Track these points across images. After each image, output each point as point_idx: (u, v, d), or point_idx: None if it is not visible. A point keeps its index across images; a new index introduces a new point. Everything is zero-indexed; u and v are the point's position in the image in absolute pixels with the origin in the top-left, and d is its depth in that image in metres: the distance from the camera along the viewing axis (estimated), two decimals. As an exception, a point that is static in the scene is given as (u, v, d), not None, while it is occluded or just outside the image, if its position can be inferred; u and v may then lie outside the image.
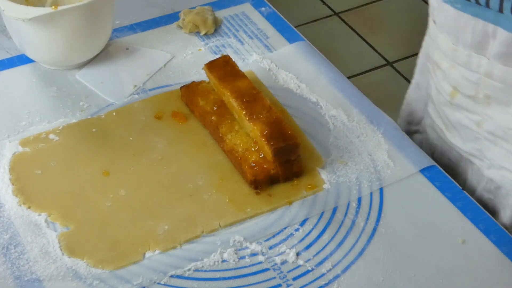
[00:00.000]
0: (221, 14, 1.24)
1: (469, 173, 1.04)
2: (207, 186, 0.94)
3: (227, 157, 0.98)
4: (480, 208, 0.94)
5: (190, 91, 1.04)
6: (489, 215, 0.94)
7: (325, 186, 0.95)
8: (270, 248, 0.88)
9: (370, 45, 2.44)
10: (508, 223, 0.98)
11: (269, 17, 1.24)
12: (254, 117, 0.95)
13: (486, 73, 0.91)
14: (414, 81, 1.14)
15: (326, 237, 0.90)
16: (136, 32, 1.20)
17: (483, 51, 0.90)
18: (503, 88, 0.90)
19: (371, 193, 0.95)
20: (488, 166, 0.99)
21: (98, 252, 0.86)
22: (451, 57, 0.95)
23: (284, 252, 0.88)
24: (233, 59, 1.04)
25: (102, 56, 1.14)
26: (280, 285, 0.84)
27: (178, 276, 0.85)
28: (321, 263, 0.87)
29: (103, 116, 1.04)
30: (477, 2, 0.87)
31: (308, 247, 0.88)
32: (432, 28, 1.00)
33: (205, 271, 0.85)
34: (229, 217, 0.91)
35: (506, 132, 0.93)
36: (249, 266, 0.86)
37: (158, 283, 0.84)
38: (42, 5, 1.11)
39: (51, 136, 1.00)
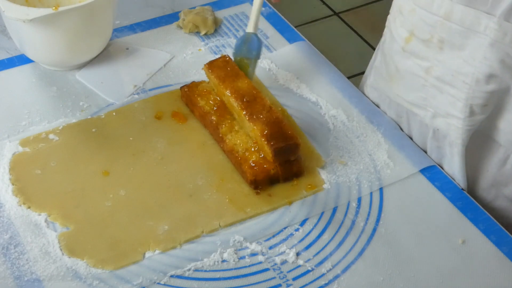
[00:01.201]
0: (221, 14, 1.24)
1: (412, 125, 1.05)
2: (207, 186, 0.94)
3: (227, 157, 0.98)
4: (480, 208, 0.94)
5: (190, 91, 1.04)
6: (489, 215, 0.94)
7: (325, 186, 0.95)
8: (270, 248, 0.88)
9: (370, 45, 2.44)
10: (457, 170, 1.00)
11: (269, 17, 1.24)
12: (254, 117, 0.95)
13: (445, 15, 0.92)
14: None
15: (326, 237, 0.90)
16: (136, 32, 1.20)
17: None
18: (459, 31, 0.91)
19: (371, 193, 0.95)
20: (432, 115, 1.00)
21: (98, 252, 0.86)
22: (414, 0, 0.96)
23: (284, 252, 0.88)
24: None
25: (102, 56, 1.14)
26: (280, 285, 0.84)
27: (178, 276, 0.85)
28: (321, 263, 0.87)
29: (103, 116, 1.04)
30: None
31: (308, 247, 0.88)
32: None
33: (205, 271, 0.85)
34: (229, 217, 0.91)
35: (454, 77, 0.94)
36: (249, 266, 0.86)
37: (158, 283, 0.84)
38: (43, 6, 1.11)
39: (51, 136, 1.00)
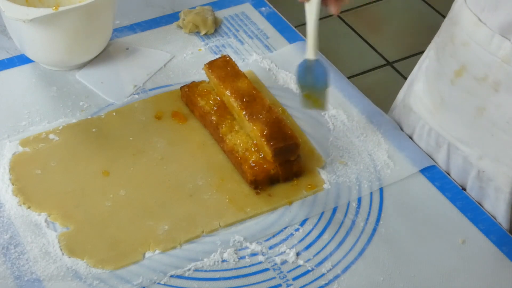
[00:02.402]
0: (221, 14, 1.24)
1: (452, 159, 1.00)
2: (207, 186, 0.94)
3: (227, 157, 0.98)
4: (480, 208, 0.94)
5: (190, 91, 1.04)
6: (489, 215, 0.94)
7: (325, 186, 0.95)
8: (270, 248, 0.88)
9: (370, 45, 2.44)
10: (501, 214, 0.95)
11: (269, 17, 1.24)
12: (254, 117, 0.95)
13: (505, 57, 0.86)
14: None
15: (326, 237, 0.90)
16: (136, 32, 1.20)
17: (509, 35, 0.86)
18: None
19: (371, 193, 0.95)
20: (479, 156, 0.95)
21: (98, 252, 0.86)
22: (470, 33, 0.91)
23: (284, 252, 0.88)
24: (233, 59, 1.04)
25: (102, 56, 1.14)
26: (280, 285, 0.84)
27: (178, 276, 0.85)
28: (321, 263, 0.87)
29: (103, 116, 1.04)
30: None
31: (308, 247, 0.88)
32: (458, 3, 0.95)
33: (205, 271, 0.85)
34: (229, 217, 0.91)
35: (510, 124, 0.89)
36: (249, 266, 0.86)
37: (158, 283, 0.84)
38: (43, 6, 1.11)
39: (51, 136, 1.00)
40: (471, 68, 0.91)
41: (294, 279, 0.85)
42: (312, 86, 0.93)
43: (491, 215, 0.95)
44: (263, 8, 1.25)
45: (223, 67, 1.02)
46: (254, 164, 0.94)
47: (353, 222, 0.91)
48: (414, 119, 1.05)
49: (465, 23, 0.92)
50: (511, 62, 0.86)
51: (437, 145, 1.02)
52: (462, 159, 0.99)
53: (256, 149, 0.95)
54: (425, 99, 1.02)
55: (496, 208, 0.96)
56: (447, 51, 0.95)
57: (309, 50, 0.91)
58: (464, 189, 0.99)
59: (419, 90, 1.03)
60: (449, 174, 1.01)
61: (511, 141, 0.90)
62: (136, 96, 1.08)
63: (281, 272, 0.86)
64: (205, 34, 1.19)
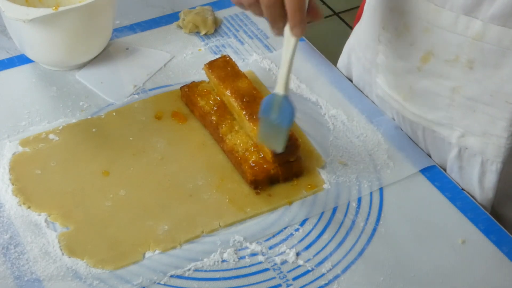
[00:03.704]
0: (221, 14, 1.24)
1: (429, 144, 1.01)
2: (207, 186, 0.94)
3: (227, 157, 0.98)
4: (480, 208, 0.94)
5: (190, 91, 1.04)
6: (489, 215, 0.94)
7: (325, 186, 0.95)
8: (270, 248, 0.88)
9: (370, 45, 2.44)
10: (488, 187, 0.96)
11: (269, 17, 1.24)
12: (254, 117, 0.95)
13: (477, 35, 0.85)
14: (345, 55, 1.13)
15: (326, 237, 0.90)
16: (136, 32, 1.20)
17: (475, 13, 0.85)
18: (495, 50, 0.85)
19: (371, 193, 0.95)
20: (461, 135, 0.95)
21: (98, 252, 0.86)
22: (430, 20, 0.90)
23: (284, 252, 0.88)
24: (233, 59, 1.04)
25: (102, 56, 1.14)
26: (280, 285, 0.84)
27: (178, 276, 0.85)
28: (321, 263, 0.87)
29: (103, 116, 1.04)
30: None
31: (308, 247, 0.88)
32: None
33: (205, 271, 0.85)
34: (229, 217, 0.91)
35: (494, 97, 0.88)
36: (249, 266, 0.86)
37: (158, 283, 0.84)
38: (43, 6, 1.11)
39: (51, 136, 1.00)
40: (439, 52, 0.91)
41: (294, 279, 0.85)
42: (274, 123, 0.86)
43: (471, 195, 0.96)
44: (263, 8, 1.25)
45: (223, 67, 1.02)
46: (254, 164, 0.94)
47: (353, 222, 0.91)
48: (388, 108, 1.06)
49: (420, 11, 0.91)
50: (484, 39, 0.85)
51: (412, 130, 1.03)
52: (440, 140, 0.99)
53: (256, 149, 0.95)
54: (390, 91, 1.03)
55: (481, 182, 0.96)
56: (405, 41, 0.94)
57: (279, 85, 0.85)
58: (444, 169, 1.00)
59: (383, 84, 1.04)
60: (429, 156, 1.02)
61: (497, 113, 0.90)
62: (136, 96, 1.08)
63: (281, 272, 0.86)
64: (205, 34, 1.20)
